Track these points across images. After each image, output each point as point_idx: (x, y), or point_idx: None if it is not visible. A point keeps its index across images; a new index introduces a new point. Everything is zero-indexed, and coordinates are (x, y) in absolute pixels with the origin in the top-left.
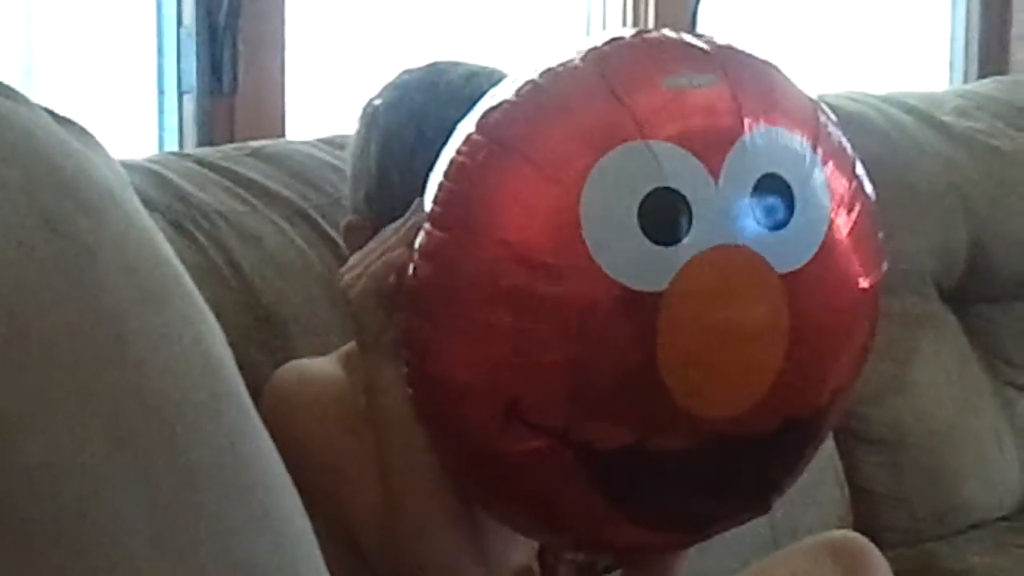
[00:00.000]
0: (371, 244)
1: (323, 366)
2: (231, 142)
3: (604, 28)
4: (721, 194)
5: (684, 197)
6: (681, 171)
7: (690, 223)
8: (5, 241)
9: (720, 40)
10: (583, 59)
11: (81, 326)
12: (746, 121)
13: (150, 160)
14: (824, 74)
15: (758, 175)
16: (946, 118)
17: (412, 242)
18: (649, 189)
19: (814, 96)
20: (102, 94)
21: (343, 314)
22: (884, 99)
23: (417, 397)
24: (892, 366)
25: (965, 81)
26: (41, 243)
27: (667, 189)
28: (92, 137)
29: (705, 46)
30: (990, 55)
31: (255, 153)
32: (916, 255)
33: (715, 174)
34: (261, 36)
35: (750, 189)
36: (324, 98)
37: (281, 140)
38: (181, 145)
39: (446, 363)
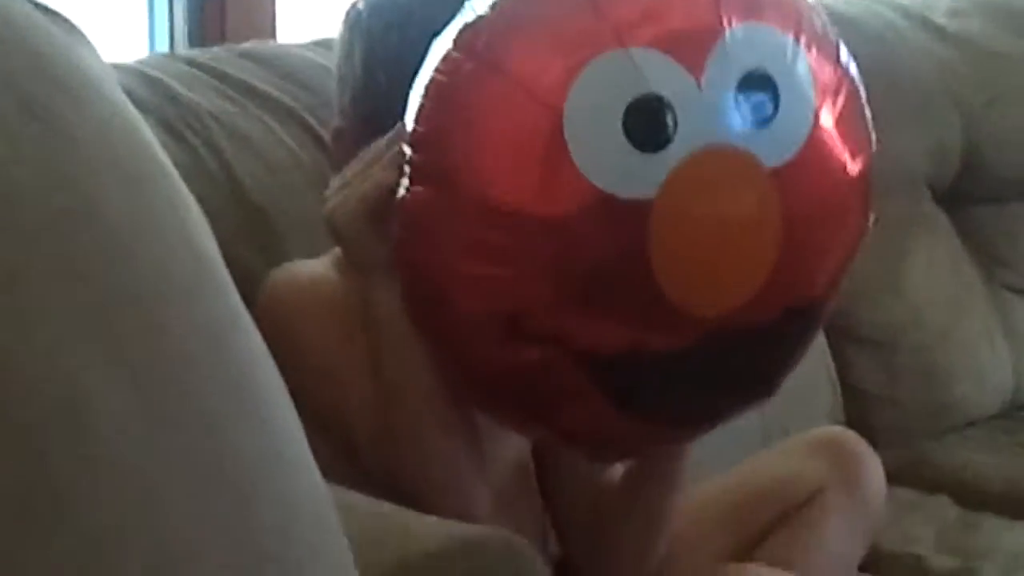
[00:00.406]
0: (352, 165)
1: (316, 268)
2: (222, 43)
3: None
4: (705, 95)
5: (668, 102)
6: (663, 76)
7: (676, 127)
8: None
9: None
10: None
11: (64, 213)
12: (725, 19)
13: (140, 62)
14: None
15: (741, 72)
16: (940, 20)
17: (396, 164)
18: (632, 97)
19: None
20: None
21: (336, 240)
22: (877, 1)
23: (414, 314)
24: (885, 267)
25: None
26: (21, 128)
27: (650, 95)
28: (79, 30)
29: None
30: None
31: (246, 54)
32: (909, 157)
33: (697, 76)
34: None
35: (734, 87)
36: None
37: (272, 42)
38: (172, 46)
39: (442, 282)
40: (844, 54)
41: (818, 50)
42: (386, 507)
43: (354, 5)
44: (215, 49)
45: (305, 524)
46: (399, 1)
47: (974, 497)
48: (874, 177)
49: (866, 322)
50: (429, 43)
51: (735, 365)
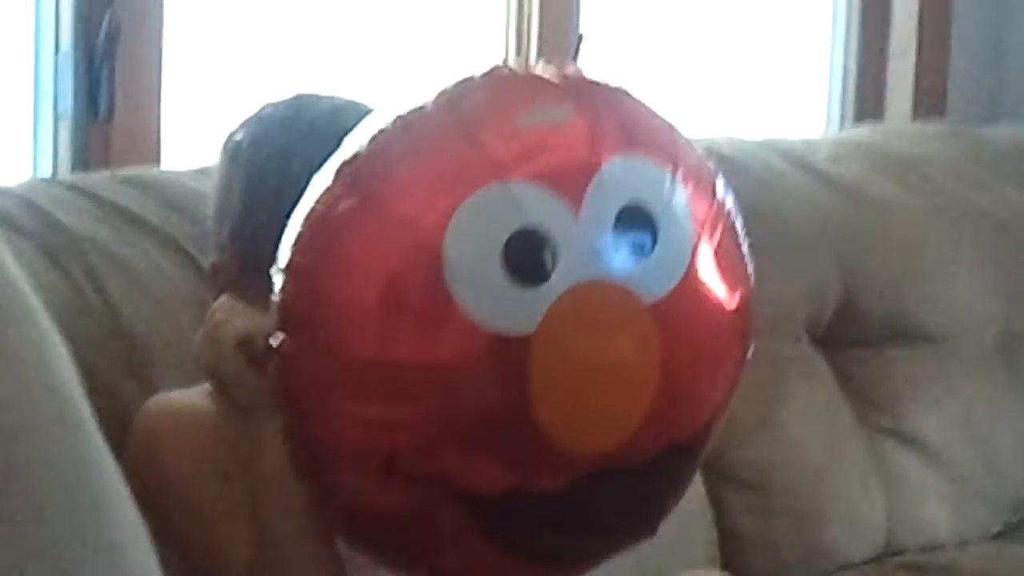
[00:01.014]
0: (219, 316)
1: (192, 400)
2: (107, 168)
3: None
4: (583, 229)
5: (547, 235)
6: (542, 209)
7: (555, 261)
8: None
9: (571, 71)
10: (435, 104)
11: None
12: (603, 153)
13: (22, 186)
14: (705, 118)
15: (619, 206)
16: (821, 164)
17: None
18: (511, 231)
19: (671, 121)
20: None
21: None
22: (760, 144)
23: (294, 457)
24: (761, 409)
25: (841, 127)
26: None
27: (529, 228)
28: None
29: (557, 79)
30: (865, 102)
31: (127, 180)
32: (788, 300)
33: (576, 209)
34: (138, 63)
35: (612, 221)
36: (201, 125)
37: (154, 168)
38: (55, 171)
39: (319, 425)
40: (721, 187)
41: (695, 183)
42: None
43: (232, 136)
44: (96, 176)
45: None
46: (279, 137)
47: None
48: (753, 319)
49: (741, 462)
50: (309, 180)
51: (617, 503)
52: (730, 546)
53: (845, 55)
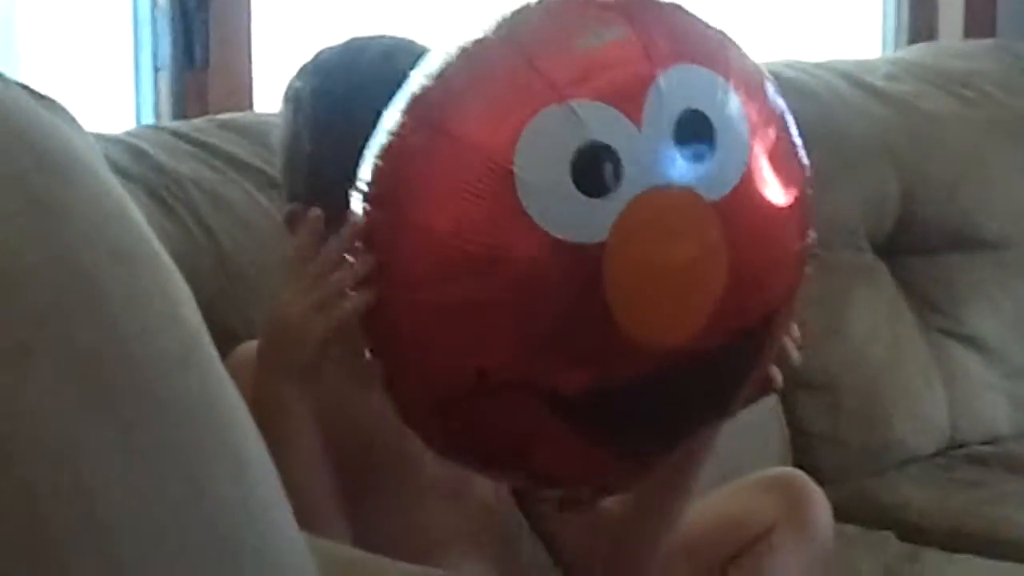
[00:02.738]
0: (312, 268)
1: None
2: (204, 115)
3: None
4: (645, 138)
5: (611, 148)
6: (604, 124)
7: (620, 172)
8: None
9: None
10: (496, 34)
11: (58, 286)
12: (657, 66)
13: (128, 133)
14: (764, 42)
15: (677, 114)
16: (878, 83)
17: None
18: (576, 147)
19: (724, 32)
20: (81, 71)
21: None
22: (820, 66)
23: (390, 388)
24: (827, 315)
25: (896, 48)
26: (17, 208)
27: (594, 144)
28: (66, 111)
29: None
30: (918, 24)
31: (225, 124)
32: (850, 213)
33: (636, 120)
34: (229, 14)
35: (672, 129)
36: (290, 71)
37: (249, 112)
38: (157, 119)
39: (410, 345)
40: (772, 90)
41: (747, 88)
42: (352, 555)
43: (292, 85)
44: (197, 120)
45: (287, 574)
46: (339, 85)
47: (915, 532)
48: (816, 231)
49: (811, 367)
50: (374, 123)
51: (692, 390)
52: (802, 445)
53: None
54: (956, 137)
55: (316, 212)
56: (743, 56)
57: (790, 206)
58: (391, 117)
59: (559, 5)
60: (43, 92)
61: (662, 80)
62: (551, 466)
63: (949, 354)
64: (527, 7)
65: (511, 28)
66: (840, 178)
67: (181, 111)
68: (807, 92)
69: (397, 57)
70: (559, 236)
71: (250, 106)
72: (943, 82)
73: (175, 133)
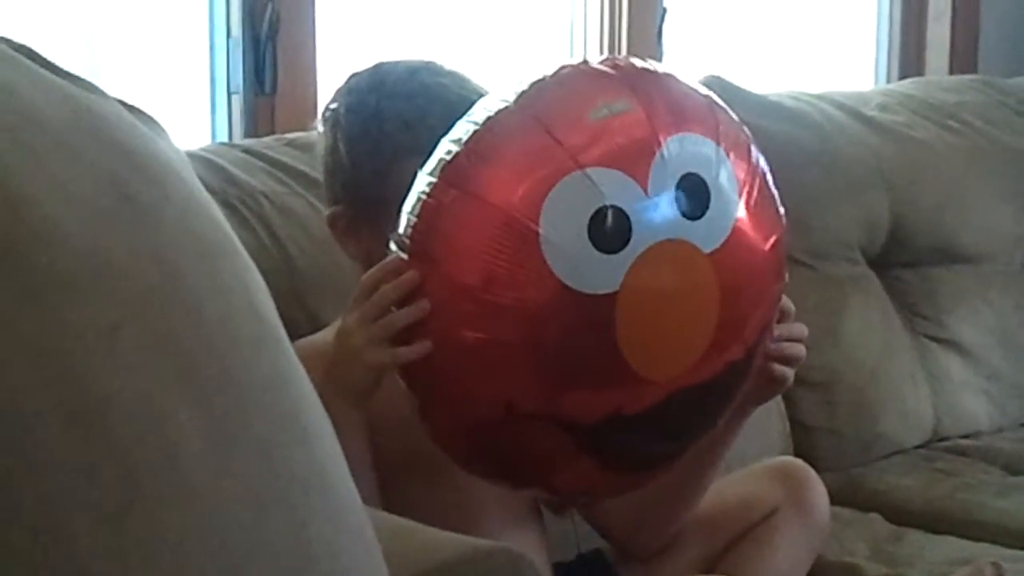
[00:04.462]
0: (376, 300)
1: (324, 338)
2: (272, 135)
3: (584, 34)
4: (651, 200)
5: (622, 210)
6: (616, 189)
7: (630, 230)
8: (88, 208)
9: (622, 61)
10: (517, 104)
11: (150, 278)
12: (660, 134)
13: (204, 150)
14: (768, 75)
15: (678, 178)
16: (871, 113)
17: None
18: (593, 210)
19: (715, 97)
20: (162, 95)
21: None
22: (819, 97)
23: (425, 415)
24: (825, 320)
25: (888, 82)
26: (116, 209)
27: (608, 207)
28: (158, 124)
29: (614, 71)
30: (908, 60)
31: (292, 143)
32: (846, 229)
33: (644, 185)
34: (297, 44)
35: (674, 191)
36: None
37: (314, 132)
38: (230, 137)
39: (441, 380)
40: (754, 150)
41: (735, 150)
42: (404, 522)
43: (329, 107)
44: (266, 139)
45: (348, 536)
46: (370, 101)
47: (901, 514)
48: (816, 245)
49: (809, 366)
50: (400, 131)
51: (690, 413)
52: (801, 436)
53: (890, 21)
54: (942, 163)
55: (395, 258)
56: (731, 119)
57: (771, 250)
58: (424, 177)
59: (571, 78)
60: (137, 107)
61: (665, 149)
62: (567, 483)
63: (933, 357)
64: (543, 80)
65: (529, 100)
66: (838, 198)
67: (252, 131)
68: (808, 121)
69: (420, 75)
70: (577, 288)
71: (314, 127)
72: (931, 113)
73: (247, 150)
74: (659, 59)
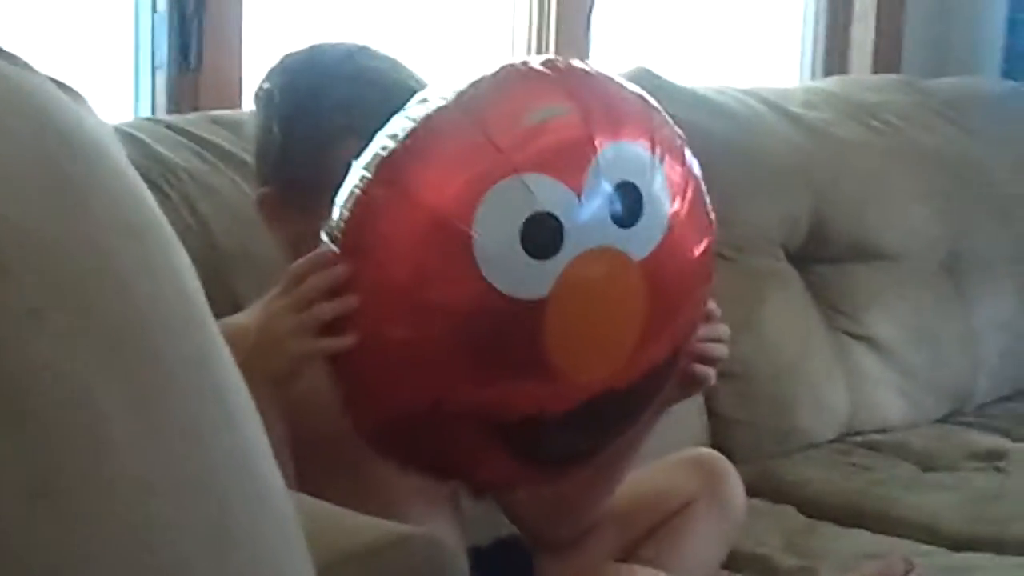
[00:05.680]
0: (303, 291)
1: (244, 320)
2: (196, 111)
3: (512, 24)
4: (584, 208)
5: (555, 216)
6: (550, 195)
7: (562, 237)
8: (14, 183)
9: (561, 63)
10: (456, 104)
11: (76, 255)
12: (597, 141)
13: (127, 125)
14: (695, 68)
15: (612, 185)
16: (795, 109)
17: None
18: (526, 216)
19: (650, 99)
20: (84, 68)
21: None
22: (745, 92)
23: (349, 405)
24: (745, 313)
25: (812, 79)
26: (43, 184)
27: (541, 213)
28: (85, 100)
29: (553, 73)
30: (832, 58)
31: (216, 120)
32: (768, 224)
33: (578, 191)
34: (224, 21)
35: (607, 199)
36: None
37: (238, 110)
38: (153, 113)
39: (368, 374)
40: (688, 154)
41: (670, 155)
42: (326, 506)
43: (262, 86)
44: (190, 116)
45: (272, 520)
46: (305, 82)
47: (814, 507)
48: (738, 239)
49: (728, 358)
50: (337, 112)
51: (612, 415)
52: (718, 428)
53: (816, 19)
54: (863, 161)
55: (325, 250)
56: (666, 122)
57: (700, 256)
58: (357, 171)
59: (509, 79)
60: (64, 82)
61: (600, 156)
62: (488, 478)
63: (850, 352)
64: (482, 80)
65: (468, 100)
66: (760, 193)
67: (176, 107)
68: (733, 115)
69: (357, 57)
70: (507, 292)
71: (239, 104)
72: (853, 111)
73: (170, 126)
74: (587, 50)
